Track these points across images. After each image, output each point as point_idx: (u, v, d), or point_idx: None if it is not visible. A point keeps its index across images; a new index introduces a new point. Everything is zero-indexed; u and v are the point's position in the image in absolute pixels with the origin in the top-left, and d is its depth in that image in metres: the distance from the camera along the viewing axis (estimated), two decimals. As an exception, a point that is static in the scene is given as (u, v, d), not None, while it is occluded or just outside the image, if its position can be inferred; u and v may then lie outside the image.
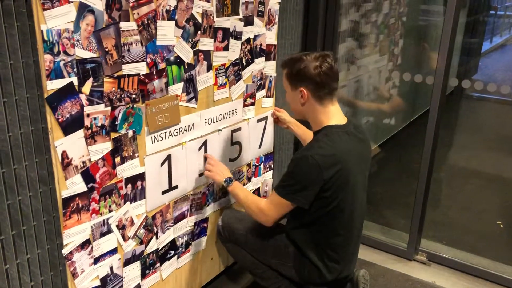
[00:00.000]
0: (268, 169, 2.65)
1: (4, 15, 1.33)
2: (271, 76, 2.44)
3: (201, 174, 2.12)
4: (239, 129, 2.29)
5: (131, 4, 1.58)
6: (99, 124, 1.58)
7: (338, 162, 1.72)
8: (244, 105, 2.30)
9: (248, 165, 2.47)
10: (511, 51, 9.41)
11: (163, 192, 1.94)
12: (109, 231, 1.73)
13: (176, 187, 2.00)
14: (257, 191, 2.61)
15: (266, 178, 2.66)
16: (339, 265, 1.88)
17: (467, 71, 5.93)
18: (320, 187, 1.71)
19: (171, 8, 1.75)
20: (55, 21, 1.36)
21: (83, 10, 1.44)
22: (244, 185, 2.47)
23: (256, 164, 2.53)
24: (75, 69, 1.45)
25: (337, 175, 1.72)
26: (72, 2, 1.40)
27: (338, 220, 1.81)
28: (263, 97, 2.42)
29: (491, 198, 3.65)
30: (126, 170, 1.73)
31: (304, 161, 1.71)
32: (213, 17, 1.95)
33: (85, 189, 1.59)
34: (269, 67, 2.41)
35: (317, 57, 1.76)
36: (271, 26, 2.35)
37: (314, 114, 1.82)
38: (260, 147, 2.50)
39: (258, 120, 2.42)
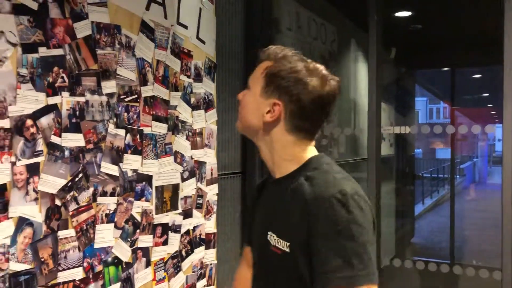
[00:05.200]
0: None
1: None
2: (211, 264, 2.49)
3: None
4: (179, 323, 2.23)
5: (70, 213, 1.67)
6: None
7: None
8: (185, 297, 2.28)
9: None
10: (443, 210, 10.08)
11: None
12: None
13: None
14: None
15: None
16: None
17: (405, 236, 6.20)
18: None
19: (111, 212, 1.84)
20: (-9, 239, 1.40)
21: (22, 223, 1.50)
22: None
23: None
24: (6, 284, 1.44)
25: None
26: (11, 218, 1.46)
27: None
28: (204, 286, 2.42)
29: None
30: None
31: (359, 202, 1.07)
32: (152, 214, 2.06)
33: None
34: (209, 255, 2.47)
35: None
36: (210, 216, 2.47)
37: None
38: None
39: (200, 311, 2.38)
